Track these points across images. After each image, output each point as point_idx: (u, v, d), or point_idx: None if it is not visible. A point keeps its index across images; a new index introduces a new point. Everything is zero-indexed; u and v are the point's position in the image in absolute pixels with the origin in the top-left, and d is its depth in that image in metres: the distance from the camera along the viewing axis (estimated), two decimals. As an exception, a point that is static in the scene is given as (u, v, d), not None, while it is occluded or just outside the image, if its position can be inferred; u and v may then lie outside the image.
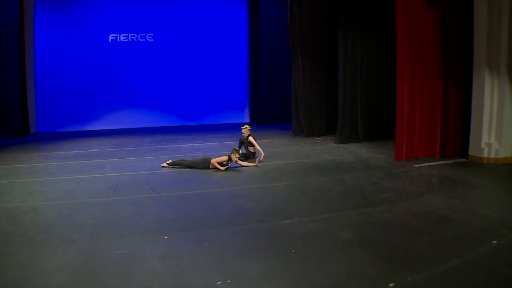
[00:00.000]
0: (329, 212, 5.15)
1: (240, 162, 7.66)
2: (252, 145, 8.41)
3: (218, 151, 8.49)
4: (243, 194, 5.84)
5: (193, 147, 9.96)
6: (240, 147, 8.29)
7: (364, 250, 3.97)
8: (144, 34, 15.32)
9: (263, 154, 8.13)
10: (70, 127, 14.49)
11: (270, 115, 15.19)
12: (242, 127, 8.65)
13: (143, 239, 4.19)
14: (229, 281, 3.32)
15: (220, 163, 7.40)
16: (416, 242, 4.20)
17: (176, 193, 5.92)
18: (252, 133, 8.55)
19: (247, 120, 16.34)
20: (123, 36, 15.14)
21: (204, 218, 4.82)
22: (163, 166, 7.71)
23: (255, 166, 7.69)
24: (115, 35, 15.08)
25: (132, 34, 15.21)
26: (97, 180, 6.77)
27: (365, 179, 6.83)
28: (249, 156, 8.37)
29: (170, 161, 7.75)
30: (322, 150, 9.55)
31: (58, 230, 4.48)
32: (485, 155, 7.97)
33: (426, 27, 8.39)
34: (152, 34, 15.38)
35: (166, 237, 4.24)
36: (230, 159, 7.49)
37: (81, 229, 4.48)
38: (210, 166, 7.56)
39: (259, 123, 15.04)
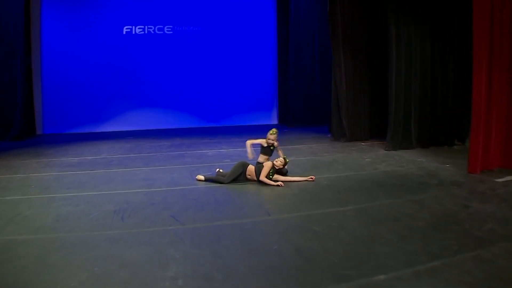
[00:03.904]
0: (431, 258, 3.48)
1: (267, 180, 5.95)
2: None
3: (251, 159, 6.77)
4: (300, 227, 4.16)
5: (220, 154, 8.38)
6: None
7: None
8: (162, 26, 13.93)
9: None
10: (80, 129, 13.27)
11: (300, 117, 13.57)
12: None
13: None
14: None
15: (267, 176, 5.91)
16: None
17: (207, 223, 4.28)
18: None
19: (275, 122, 14.73)
20: (139, 28, 13.76)
21: (254, 273, 3.16)
22: (198, 180, 6.19)
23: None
24: (130, 27, 13.72)
25: (149, 26, 13.83)
26: (100, 199, 5.19)
27: (448, 200, 5.19)
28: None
29: (203, 177, 6.22)
30: (375, 158, 7.89)
31: (32, 292, 2.90)
32: None
33: (505, 14, 6.74)
34: (171, 26, 13.97)
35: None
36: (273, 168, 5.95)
37: (67, 291, 2.89)
38: (247, 174, 6.00)
39: (289, 125, 13.49)
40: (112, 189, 5.72)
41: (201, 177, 6.17)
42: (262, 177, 5.84)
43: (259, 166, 5.97)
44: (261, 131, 12.37)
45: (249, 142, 6.37)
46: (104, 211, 4.71)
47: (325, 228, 4.10)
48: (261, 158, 6.21)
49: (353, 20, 10.02)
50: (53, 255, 3.52)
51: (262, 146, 6.28)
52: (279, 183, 5.86)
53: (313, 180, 6.04)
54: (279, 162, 5.98)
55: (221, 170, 6.39)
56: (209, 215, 4.52)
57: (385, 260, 3.41)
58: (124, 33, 13.67)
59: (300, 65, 13.60)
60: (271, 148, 6.28)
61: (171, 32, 13.95)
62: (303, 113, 13.62)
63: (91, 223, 4.31)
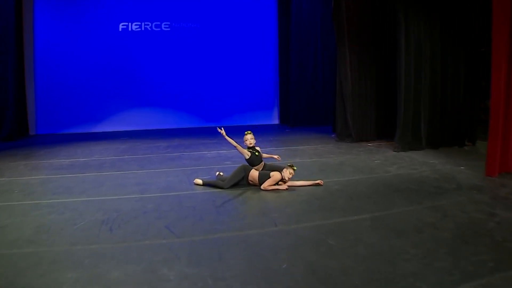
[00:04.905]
0: (466, 277, 3.01)
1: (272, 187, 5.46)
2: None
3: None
4: (312, 240, 3.66)
5: (219, 155, 7.88)
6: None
7: None
8: (159, 23, 13.41)
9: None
10: (75, 129, 12.79)
11: (302, 116, 13.08)
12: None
13: None
14: None
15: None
16: None
17: (206, 236, 3.78)
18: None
19: (277, 122, 14.25)
20: (135, 24, 13.25)
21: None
22: (196, 184, 5.69)
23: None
24: (126, 23, 13.20)
25: (146, 23, 13.31)
26: (88, 207, 4.70)
27: (471, 207, 4.71)
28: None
29: (202, 181, 5.70)
30: (384, 160, 7.42)
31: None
32: None
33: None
34: (168, 23, 13.45)
35: None
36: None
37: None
38: (249, 180, 5.50)
39: (290, 125, 13.03)
40: (101, 195, 5.23)
41: (199, 181, 5.67)
42: (265, 187, 5.35)
43: (263, 174, 5.47)
44: (262, 131, 11.98)
45: (233, 142, 5.69)
46: (91, 220, 4.22)
47: (340, 241, 3.61)
48: (259, 169, 5.66)
49: (359, 15, 9.54)
50: (28, 275, 3.03)
51: (247, 159, 5.66)
52: (284, 186, 5.38)
53: (321, 185, 5.55)
54: (289, 174, 5.43)
55: (221, 174, 5.90)
56: (208, 226, 4.02)
57: (413, 280, 2.94)
58: (120, 30, 13.16)
59: (302, 64, 13.11)
60: (256, 154, 5.68)
61: (169, 29, 13.44)
62: (305, 112, 13.13)
63: (75, 235, 3.82)
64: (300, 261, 3.21)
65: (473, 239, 3.75)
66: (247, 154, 5.59)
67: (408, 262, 3.22)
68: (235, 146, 5.66)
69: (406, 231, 3.89)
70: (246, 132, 5.81)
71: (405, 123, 8.46)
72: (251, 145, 5.73)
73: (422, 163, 7.15)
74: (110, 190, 5.46)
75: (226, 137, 5.65)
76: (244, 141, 5.76)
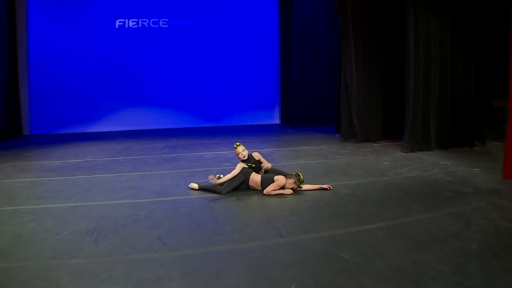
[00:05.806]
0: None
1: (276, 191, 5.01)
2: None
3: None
4: (323, 254, 3.22)
5: (218, 157, 7.45)
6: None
7: None
8: (157, 19, 13.07)
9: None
10: (70, 129, 12.47)
11: (304, 116, 12.71)
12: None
13: None
14: None
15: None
16: None
17: (203, 249, 3.34)
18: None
19: (278, 122, 13.84)
20: (132, 21, 12.90)
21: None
22: (191, 188, 5.24)
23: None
24: (123, 20, 12.86)
25: (143, 19, 12.98)
26: (74, 214, 4.27)
27: (494, 213, 4.27)
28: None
29: (198, 186, 5.25)
30: (394, 162, 7.01)
31: None
32: None
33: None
34: (166, 19, 13.13)
35: None
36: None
37: None
38: (250, 185, 5.08)
39: (292, 125, 12.66)
40: (90, 200, 4.80)
41: (195, 186, 5.22)
42: (268, 191, 4.92)
43: (266, 178, 5.02)
44: (263, 131, 11.60)
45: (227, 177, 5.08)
46: (75, 229, 3.79)
47: (356, 255, 3.17)
48: (260, 173, 5.21)
49: (364, 11, 9.16)
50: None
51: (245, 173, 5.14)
52: (289, 190, 4.95)
53: (330, 189, 5.12)
54: (293, 185, 4.98)
55: (221, 176, 5.47)
56: (206, 237, 3.57)
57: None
58: (117, 27, 12.80)
59: (304, 62, 12.73)
60: (253, 165, 5.16)
61: (167, 26, 13.08)
62: (306, 112, 12.75)
63: (56, 248, 3.38)
64: (311, 280, 2.77)
65: (504, 252, 3.32)
66: (240, 166, 5.09)
67: (436, 281, 2.79)
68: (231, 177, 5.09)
69: (428, 242, 3.47)
70: (235, 146, 5.23)
71: (414, 122, 8.07)
72: (245, 158, 5.18)
73: (433, 165, 6.75)
74: (100, 195, 5.03)
75: (222, 180, 5.05)
76: (236, 155, 5.27)
